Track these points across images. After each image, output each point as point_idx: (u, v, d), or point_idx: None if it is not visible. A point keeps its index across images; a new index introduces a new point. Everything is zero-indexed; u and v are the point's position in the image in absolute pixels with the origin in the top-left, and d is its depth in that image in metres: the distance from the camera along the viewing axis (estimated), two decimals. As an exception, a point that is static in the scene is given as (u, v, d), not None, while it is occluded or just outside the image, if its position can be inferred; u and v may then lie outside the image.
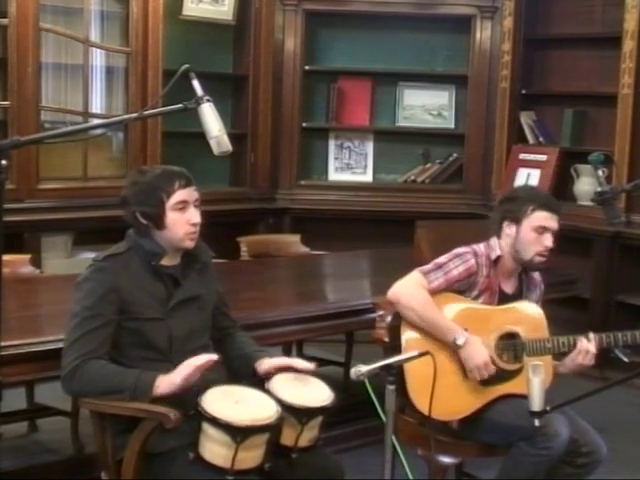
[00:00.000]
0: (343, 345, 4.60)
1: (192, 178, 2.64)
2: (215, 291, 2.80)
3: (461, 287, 3.00)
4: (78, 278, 2.60)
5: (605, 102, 5.43)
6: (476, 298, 3.02)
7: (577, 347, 2.94)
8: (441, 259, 3.00)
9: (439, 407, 2.76)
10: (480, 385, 2.94)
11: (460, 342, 2.89)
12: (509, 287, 3.09)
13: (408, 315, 2.95)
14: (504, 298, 3.05)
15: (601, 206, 2.87)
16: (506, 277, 3.07)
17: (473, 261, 2.99)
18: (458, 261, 2.99)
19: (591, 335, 2.95)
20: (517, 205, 3.01)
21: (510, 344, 2.98)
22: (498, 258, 3.03)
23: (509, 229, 3.02)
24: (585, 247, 5.28)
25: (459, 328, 2.91)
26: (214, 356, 2.49)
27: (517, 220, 3.00)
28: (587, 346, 2.92)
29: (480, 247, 3.04)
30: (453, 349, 2.92)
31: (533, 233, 2.98)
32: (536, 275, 3.16)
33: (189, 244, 2.64)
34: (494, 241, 3.06)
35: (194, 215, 2.62)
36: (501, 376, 2.95)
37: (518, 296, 3.09)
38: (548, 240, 2.98)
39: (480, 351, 2.90)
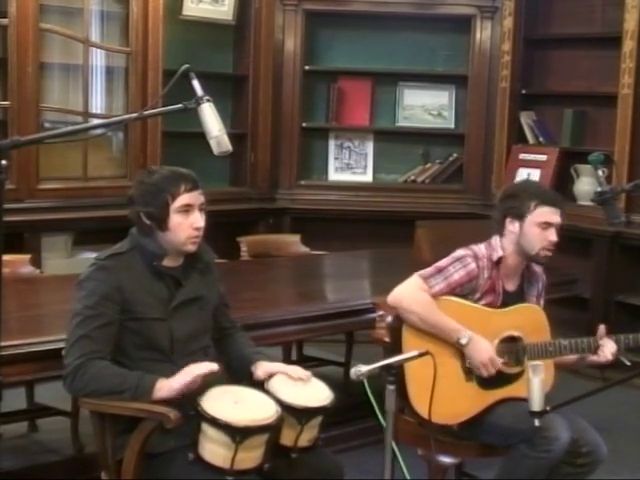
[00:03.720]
0: (343, 345, 4.60)
1: (199, 181, 2.63)
2: (217, 292, 2.79)
3: (463, 291, 2.97)
4: (80, 277, 2.59)
5: (605, 102, 5.43)
6: (479, 300, 2.99)
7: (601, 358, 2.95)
8: (441, 263, 2.97)
9: (439, 411, 2.76)
10: (480, 389, 2.93)
11: (464, 341, 2.88)
12: (511, 285, 3.06)
13: (410, 319, 2.93)
14: (506, 296, 3.03)
15: (601, 206, 2.86)
16: (510, 276, 3.04)
17: (474, 265, 2.96)
18: (459, 265, 2.95)
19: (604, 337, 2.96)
20: (520, 201, 2.98)
21: (511, 347, 2.96)
22: (500, 259, 3.00)
23: (512, 226, 2.99)
24: (585, 247, 5.28)
25: (462, 328, 2.90)
26: (215, 366, 2.48)
27: (520, 216, 2.97)
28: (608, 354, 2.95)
29: (481, 248, 3.01)
30: (457, 350, 2.91)
31: (537, 229, 2.95)
32: (538, 268, 3.12)
33: (191, 248, 2.63)
34: (495, 241, 3.02)
35: (198, 219, 2.61)
36: (502, 379, 2.94)
37: (519, 292, 3.07)
38: (553, 235, 2.96)
39: (484, 348, 2.89)
